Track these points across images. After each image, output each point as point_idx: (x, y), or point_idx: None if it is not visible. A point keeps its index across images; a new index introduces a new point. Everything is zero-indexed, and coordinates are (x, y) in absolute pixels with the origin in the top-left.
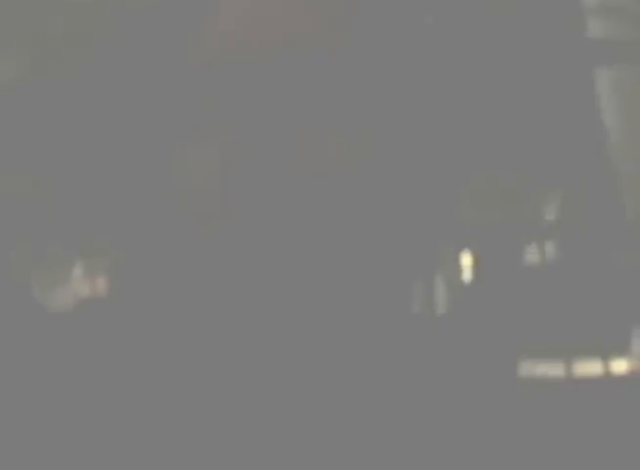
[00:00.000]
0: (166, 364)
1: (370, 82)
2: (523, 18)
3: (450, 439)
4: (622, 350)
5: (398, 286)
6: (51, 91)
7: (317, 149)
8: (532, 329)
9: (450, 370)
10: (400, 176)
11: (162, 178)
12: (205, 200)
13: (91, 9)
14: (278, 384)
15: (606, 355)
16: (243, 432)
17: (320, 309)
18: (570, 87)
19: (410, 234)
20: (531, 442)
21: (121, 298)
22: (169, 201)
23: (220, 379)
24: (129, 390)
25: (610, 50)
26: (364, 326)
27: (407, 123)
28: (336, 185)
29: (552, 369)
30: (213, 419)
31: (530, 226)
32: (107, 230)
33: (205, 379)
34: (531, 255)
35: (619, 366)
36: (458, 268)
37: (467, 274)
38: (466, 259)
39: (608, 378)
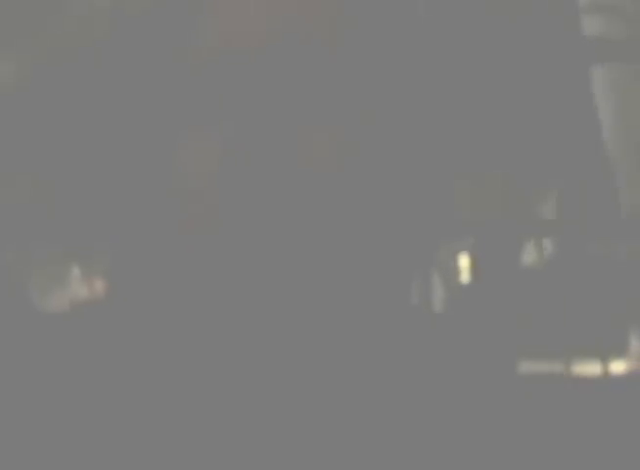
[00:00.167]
0: (165, 366)
1: (367, 77)
2: (517, 16)
3: (448, 437)
4: (621, 350)
5: (396, 284)
6: (50, 90)
7: (315, 145)
8: (530, 330)
9: (448, 370)
10: (398, 173)
11: (160, 178)
12: (203, 197)
13: (91, 8)
14: (276, 379)
15: (604, 356)
16: (241, 430)
17: (317, 306)
18: (565, 86)
19: (407, 232)
20: (529, 442)
21: (119, 299)
22: (167, 201)
23: (219, 378)
24: (127, 392)
25: (605, 48)
26: (361, 323)
27: (405, 120)
28: (334, 181)
29: (550, 369)
30: (212, 420)
31: (528, 226)
32: (104, 231)
33: (204, 379)
34: (529, 255)
35: (618, 367)
36: (456, 268)
37: (464, 274)
38: (464, 260)
39: (606, 378)
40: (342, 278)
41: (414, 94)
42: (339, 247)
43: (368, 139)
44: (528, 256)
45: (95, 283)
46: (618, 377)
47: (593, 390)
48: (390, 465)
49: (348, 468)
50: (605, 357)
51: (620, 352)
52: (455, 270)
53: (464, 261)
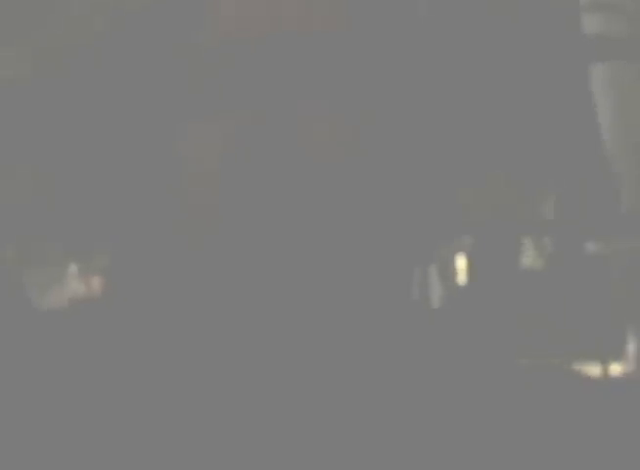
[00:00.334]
0: (163, 363)
1: (368, 70)
2: (517, 15)
3: (444, 436)
4: (617, 353)
5: (395, 282)
6: (50, 86)
7: (316, 137)
8: (528, 330)
9: (447, 370)
10: (398, 172)
11: (161, 173)
12: (204, 192)
13: (91, 2)
14: (275, 376)
15: (602, 357)
16: (239, 425)
17: (316, 301)
18: (565, 85)
19: (407, 231)
20: (525, 441)
21: (117, 297)
22: (167, 197)
23: (217, 374)
24: (125, 389)
25: (605, 47)
26: (360, 320)
27: (405, 117)
28: (334, 175)
29: (548, 370)
30: (210, 419)
31: (527, 226)
32: (103, 229)
33: (203, 376)
34: (528, 255)
35: (616, 368)
36: (455, 268)
37: (463, 274)
38: (462, 261)
39: (604, 379)
40: (341, 274)
41: (414, 91)
42: (339, 242)
43: (369, 135)
44: (527, 256)
45: (92, 281)
46: (616, 378)
47: (591, 391)
48: (387, 460)
49: (347, 463)
50: (603, 359)
51: (618, 353)
52: (454, 270)
53: (463, 261)
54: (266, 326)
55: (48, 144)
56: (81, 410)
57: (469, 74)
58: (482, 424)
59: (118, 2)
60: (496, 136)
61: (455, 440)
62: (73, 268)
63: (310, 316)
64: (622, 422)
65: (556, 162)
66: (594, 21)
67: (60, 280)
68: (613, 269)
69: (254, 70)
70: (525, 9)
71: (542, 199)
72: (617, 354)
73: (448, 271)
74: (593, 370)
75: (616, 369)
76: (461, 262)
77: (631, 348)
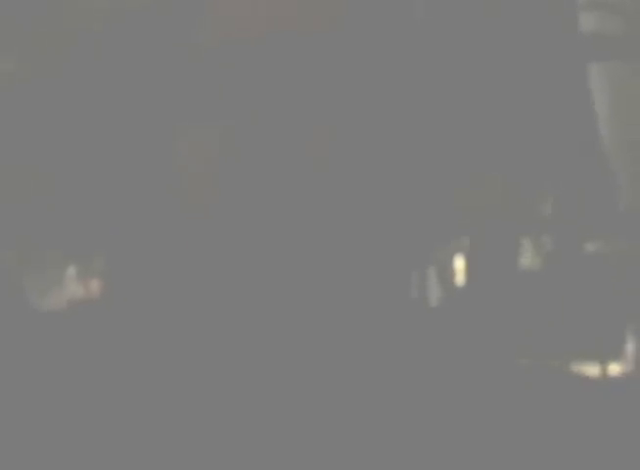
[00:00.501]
0: (161, 364)
1: (367, 72)
2: (515, 14)
3: (447, 437)
4: (616, 353)
5: (393, 282)
6: (49, 87)
7: (315, 139)
8: (527, 330)
9: (446, 370)
10: (398, 172)
11: (160, 175)
12: (203, 190)
13: (91, 3)
14: (274, 374)
15: (601, 358)
16: (238, 422)
17: (315, 303)
18: (562, 83)
19: (405, 232)
20: (526, 441)
21: (115, 299)
22: (165, 200)
23: (216, 376)
24: (124, 390)
25: (603, 46)
26: (358, 321)
27: (404, 117)
28: (334, 176)
29: (546, 370)
30: (210, 417)
31: (526, 226)
32: (101, 232)
33: (201, 375)
34: (526, 256)
35: (614, 368)
36: (453, 269)
37: (461, 277)
38: (461, 261)
39: (602, 380)
40: (339, 275)
41: (413, 92)
42: (337, 243)
43: (367, 136)
44: (525, 256)
45: (91, 283)
46: (615, 378)
47: (589, 390)
48: (385, 457)
49: (346, 459)
50: (601, 359)
51: (617, 353)
52: (452, 271)
53: (461, 262)
54: (265, 327)
55: (48, 146)
56: (80, 410)
57: (467, 75)
58: (482, 424)
59: (118, 3)
60: (494, 137)
61: (454, 439)
62: (72, 271)
63: (308, 317)
64: (621, 421)
65: (554, 161)
66: (592, 19)
67: (59, 283)
68: (611, 269)
69: (253, 70)
70: (523, 9)
71: (540, 199)
72: (616, 354)
73: (447, 272)
74: (592, 370)
75: (614, 369)
76: (459, 263)
77: (630, 347)
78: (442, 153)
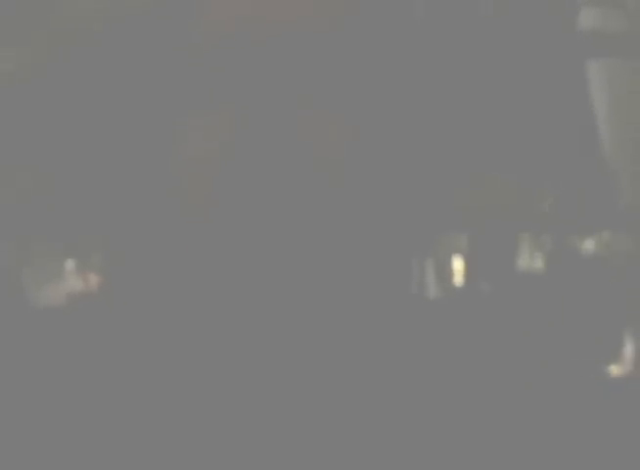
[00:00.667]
0: (160, 360)
1: (368, 70)
2: (514, 13)
3: (446, 437)
4: (615, 354)
5: (392, 280)
6: (49, 82)
7: (316, 135)
8: (526, 332)
9: (445, 371)
10: (396, 170)
11: (160, 169)
12: (204, 185)
13: None
14: (273, 370)
15: (599, 360)
16: (238, 425)
17: (314, 301)
18: (562, 81)
19: (405, 231)
20: (525, 442)
21: (115, 294)
22: (166, 194)
23: (215, 372)
24: (123, 386)
25: (603, 43)
26: (356, 321)
27: (403, 115)
28: (334, 172)
29: (545, 371)
30: (210, 416)
31: (525, 226)
32: (100, 226)
33: (201, 373)
34: (525, 258)
35: (612, 370)
36: (451, 270)
37: (460, 277)
38: (459, 261)
39: (600, 382)
40: (337, 274)
41: (412, 91)
42: (335, 241)
43: (367, 134)
44: (524, 257)
45: (90, 277)
46: (614, 379)
47: (588, 391)
48: (384, 457)
49: (346, 457)
50: (601, 360)
51: (616, 354)
52: (451, 271)
53: (460, 262)
54: (264, 322)
55: (47, 142)
56: (79, 407)
57: (466, 74)
58: (481, 424)
59: (118, 3)
60: (493, 136)
61: (454, 440)
62: (71, 265)
63: (307, 315)
64: (620, 422)
65: (553, 161)
66: (592, 16)
67: (57, 277)
68: (611, 269)
69: (254, 63)
70: (521, 7)
71: (540, 198)
72: (615, 355)
73: (445, 272)
74: (591, 371)
75: (614, 370)
76: (458, 263)
77: (629, 349)
78: (442, 152)
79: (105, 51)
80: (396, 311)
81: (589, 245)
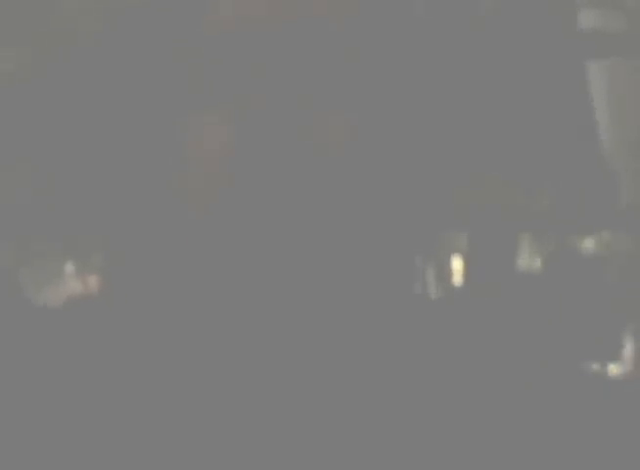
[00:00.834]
0: (161, 361)
1: (368, 69)
2: (513, 12)
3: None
4: (615, 354)
5: (391, 279)
6: (50, 80)
7: (317, 133)
8: (525, 332)
9: (445, 371)
10: (395, 169)
11: (161, 168)
12: (206, 183)
13: None
14: (274, 370)
15: (598, 360)
16: (238, 425)
17: (315, 300)
18: (562, 81)
19: (403, 230)
20: (524, 442)
21: (114, 295)
22: (167, 193)
23: (215, 372)
24: (123, 387)
25: (603, 43)
26: (356, 321)
27: (401, 115)
28: (335, 171)
29: (545, 371)
30: (211, 418)
31: (524, 226)
32: (100, 227)
33: (203, 376)
34: (524, 258)
35: (612, 370)
36: (451, 270)
37: (459, 277)
38: (458, 261)
39: (600, 382)
40: (341, 270)
41: (411, 91)
42: (334, 240)
43: (367, 133)
44: (524, 257)
45: (90, 279)
46: (614, 379)
47: (588, 391)
48: (384, 456)
49: (347, 457)
50: (600, 360)
51: (616, 354)
52: (450, 271)
53: (459, 262)
54: (267, 323)
55: (47, 142)
56: (78, 408)
57: (465, 73)
58: (481, 424)
59: (118, 2)
60: (494, 136)
61: (455, 440)
62: (71, 266)
63: (308, 314)
64: (620, 422)
65: (553, 160)
66: (592, 16)
67: (57, 278)
68: (611, 269)
69: (255, 62)
70: (521, 7)
71: (539, 198)
72: (615, 355)
73: (444, 272)
74: (591, 371)
75: (613, 370)
76: (457, 263)
77: (629, 349)
78: (441, 152)
79: (105, 50)
80: (397, 311)
81: (589, 244)
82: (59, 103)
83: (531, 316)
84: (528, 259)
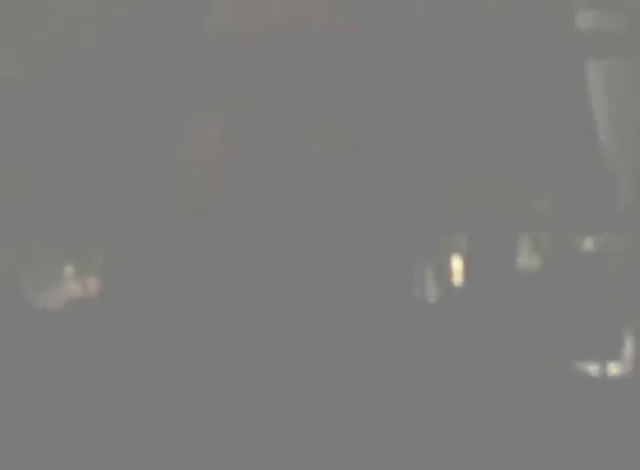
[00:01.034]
0: (161, 363)
1: (368, 69)
2: (513, 13)
3: (446, 438)
4: (615, 353)
5: (390, 280)
6: (49, 83)
7: (317, 134)
8: (525, 332)
9: (444, 372)
10: (395, 170)
11: (161, 169)
12: (205, 184)
13: None
14: (274, 372)
15: (598, 359)
16: (238, 425)
17: (315, 301)
18: (561, 81)
19: (403, 230)
20: (524, 442)
21: (114, 298)
22: (166, 195)
23: (215, 375)
24: (123, 389)
25: (602, 43)
26: (355, 321)
27: (401, 115)
28: (334, 172)
29: (544, 371)
30: (211, 420)
31: (524, 226)
32: (99, 229)
33: (204, 378)
34: (524, 258)
35: (612, 369)
36: (451, 270)
37: (459, 277)
38: (459, 261)
39: (600, 381)
40: (340, 272)
41: (411, 91)
42: (334, 241)
43: (367, 134)
44: (524, 256)
45: (89, 281)
46: (614, 379)
47: (588, 391)
48: (384, 457)
49: (347, 458)
50: (600, 359)
51: (616, 353)
52: (450, 271)
53: (459, 262)
54: (267, 325)
55: (47, 144)
56: (79, 411)
57: (465, 73)
58: (482, 424)
59: (118, 2)
60: (494, 136)
61: (455, 440)
62: (70, 269)
63: (308, 316)
64: (620, 422)
65: (553, 161)
66: (590, 17)
67: (57, 281)
68: (610, 268)
69: (255, 63)
70: (521, 7)
71: (539, 198)
72: (615, 354)
73: (444, 272)
74: (591, 370)
75: (613, 369)
76: (457, 263)
77: (629, 347)
78: (441, 152)
79: (105, 51)
80: (396, 312)
81: (588, 244)
82: (59, 104)
83: (531, 316)
84: (528, 259)
